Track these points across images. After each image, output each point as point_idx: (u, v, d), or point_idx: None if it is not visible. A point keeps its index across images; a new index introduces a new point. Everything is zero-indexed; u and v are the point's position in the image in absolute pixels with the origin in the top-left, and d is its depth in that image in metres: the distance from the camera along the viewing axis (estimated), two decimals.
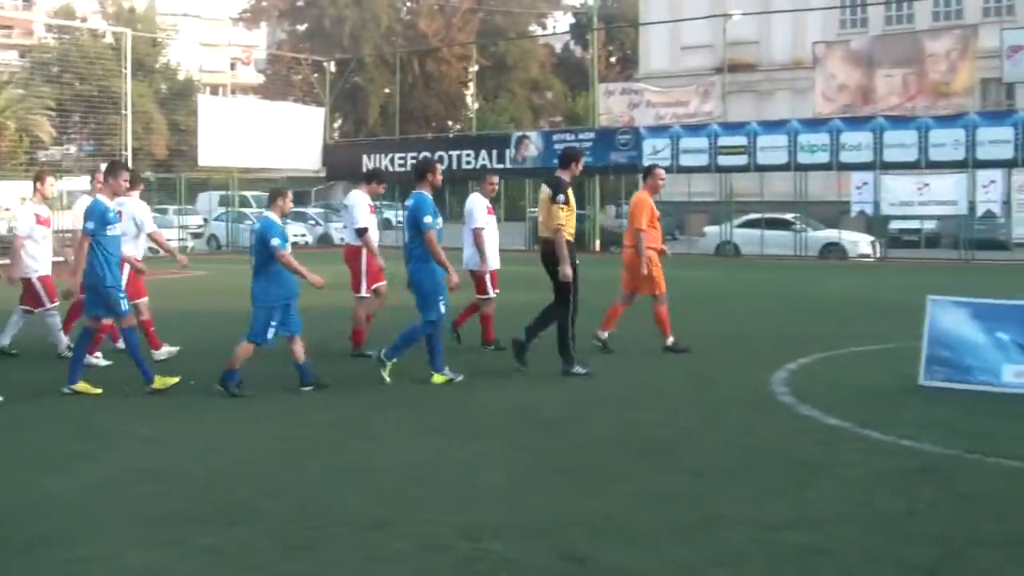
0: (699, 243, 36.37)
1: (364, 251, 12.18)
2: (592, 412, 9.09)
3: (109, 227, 9.95)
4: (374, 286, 12.25)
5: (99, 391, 9.87)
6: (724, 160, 35.50)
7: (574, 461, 7.34)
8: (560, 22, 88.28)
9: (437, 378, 10.35)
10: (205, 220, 42.18)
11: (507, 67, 78.24)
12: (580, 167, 11.36)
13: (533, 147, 39.92)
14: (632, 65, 66.77)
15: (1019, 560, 5.26)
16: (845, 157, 33.56)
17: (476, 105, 59.81)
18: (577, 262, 10.76)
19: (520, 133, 42.47)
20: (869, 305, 16.51)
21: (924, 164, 33.00)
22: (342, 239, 12.52)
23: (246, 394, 9.73)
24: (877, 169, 33.36)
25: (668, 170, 35.79)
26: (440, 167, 11.16)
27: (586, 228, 38.69)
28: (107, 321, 10.44)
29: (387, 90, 68.28)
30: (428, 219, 10.28)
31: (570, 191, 10.92)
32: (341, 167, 44.15)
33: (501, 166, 39.84)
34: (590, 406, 9.35)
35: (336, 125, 63.49)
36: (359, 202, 12.24)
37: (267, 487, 6.67)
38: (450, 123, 79.03)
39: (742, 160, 34.79)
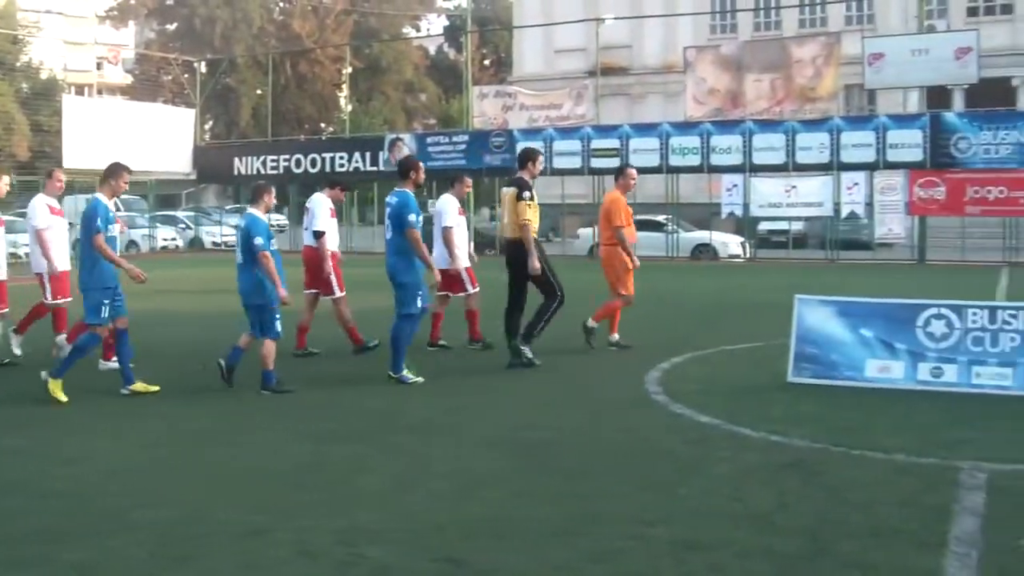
0: (574, 245, 36.68)
1: (328, 253, 12.38)
2: (469, 414, 9.10)
3: (109, 227, 9.94)
4: (306, 292, 12.51)
5: (157, 388, 9.99)
6: (597, 162, 35.88)
7: (451, 463, 7.33)
8: (434, 24, 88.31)
9: (395, 378, 10.51)
10: (71, 224, 41.02)
11: (381, 69, 77.89)
12: (539, 166, 11.83)
13: (407, 149, 39.74)
14: (506, 68, 67.15)
15: (883, 548, 5.41)
16: (715, 160, 34.24)
17: (349, 107, 59.45)
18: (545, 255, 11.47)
19: (394, 135, 42.26)
20: (739, 305, 16.85)
21: (791, 167, 33.86)
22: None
23: (290, 388, 10.02)
24: (746, 171, 34.11)
25: (541, 173, 36.06)
26: (423, 166, 11.33)
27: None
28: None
29: (259, 91, 67.40)
30: (412, 217, 10.44)
31: (533, 189, 11.53)
32: (212, 170, 43.42)
33: (375, 169, 39.67)
34: (467, 408, 9.36)
35: (207, 127, 62.43)
36: (320, 205, 12.47)
37: (140, 497, 6.51)
38: (323, 125, 78.38)
39: (615, 162, 35.20)
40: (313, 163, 41.49)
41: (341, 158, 40.80)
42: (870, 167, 32.95)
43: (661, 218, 35.45)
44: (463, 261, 12.85)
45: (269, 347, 10.06)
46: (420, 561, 5.32)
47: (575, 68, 50.53)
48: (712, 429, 8.34)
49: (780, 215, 35.29)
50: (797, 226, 37.54)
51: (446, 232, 12.67)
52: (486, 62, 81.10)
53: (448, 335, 13.00)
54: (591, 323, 12.64)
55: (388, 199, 10.92)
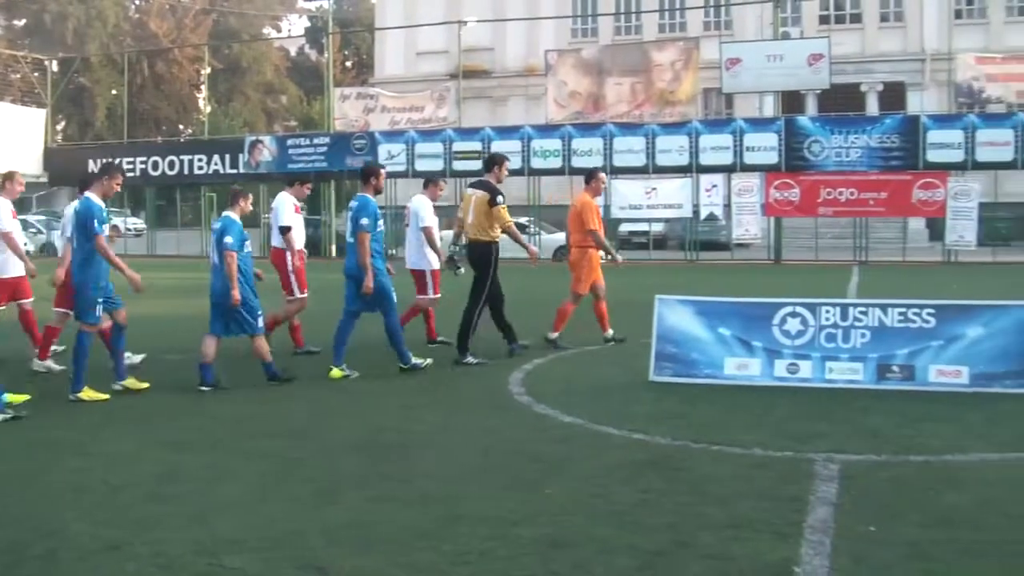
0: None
1: (289, 254, 12.50)
2: (330, 418, 9.01)
3: (103, 226, 9.89)
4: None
5: (147, 385, 10.25)
6: (459, 165, 35.98)
7: (312, 469, 7.22)
8: (295, 25, 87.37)
9: (335, 372, 10.92)
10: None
11: (241, 70, 76.76)
12: (505, 171, 12.41)
13: (267, 152, 39.25)
14: (368, 70, 66.76)
15: (741, 539, 5.53)
16: (577, 162, 34.61)
17: (208, 108, 58.30)
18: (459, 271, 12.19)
19: (254, 137, 41.68)
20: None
21: (651, 169, 34.46)
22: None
23: (291, 376, 10.61)
24: (608, 174, 34.48)
25: (404, 175, 36.16)
26: (384, 172, 11.83)
27: (322, 234, 38.40)
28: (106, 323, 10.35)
29: (114, 92, 65.76)
30: (364, 221, 10.91)
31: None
32: (64, 172, 42.12)
33: (235, 171, 39.08)
34: (328, 413, 9.26)
35: (59, 128, 60.57)
36: (284, 203, 12.67)
37: None
38: (181, 127, 76.86)
39: (476, 165, 35.28)
40: (171, 165, 40.67)
41: (200, 160, 40.08)
42: (728, 169, 33.74)
43: (523, 220, 35.64)
44: (435, 263, 13.11)
45: (260, 343, 10.51)
46: (283, 569, 5.23)
47: (437, 70, 50.52)
48: (575, 428, 8.42)
49: (641, 217, 35.86)
50: (657, 227, 38.19)
51: (427, 231, 13.00)
52: (348, 64, 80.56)
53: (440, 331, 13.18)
54: (551, 335, 12.90)
55: (350, 203, 11.43)
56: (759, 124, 35.23)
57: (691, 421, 8.61)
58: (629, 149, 34.66)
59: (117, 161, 36.55)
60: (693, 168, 33.66)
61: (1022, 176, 35.36)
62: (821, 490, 6.49)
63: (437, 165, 36.07)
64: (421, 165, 36.16)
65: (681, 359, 10.44)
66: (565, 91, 38.86)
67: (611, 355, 12.39)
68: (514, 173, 34.16)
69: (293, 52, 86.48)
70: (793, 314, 10.32)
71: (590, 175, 13.59)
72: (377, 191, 11.42)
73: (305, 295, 12.59)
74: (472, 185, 12.50)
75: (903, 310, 10.12)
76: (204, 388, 10.22)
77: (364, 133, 38.47)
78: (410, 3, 53.38)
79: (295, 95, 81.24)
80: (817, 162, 32.84)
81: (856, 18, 49.76)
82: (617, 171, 34.95)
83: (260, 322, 10.59)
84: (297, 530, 5.80)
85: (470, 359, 11.72)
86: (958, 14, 46.77)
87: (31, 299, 12.01)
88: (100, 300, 9.94)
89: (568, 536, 5.65)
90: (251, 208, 10.86)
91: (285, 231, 12.53)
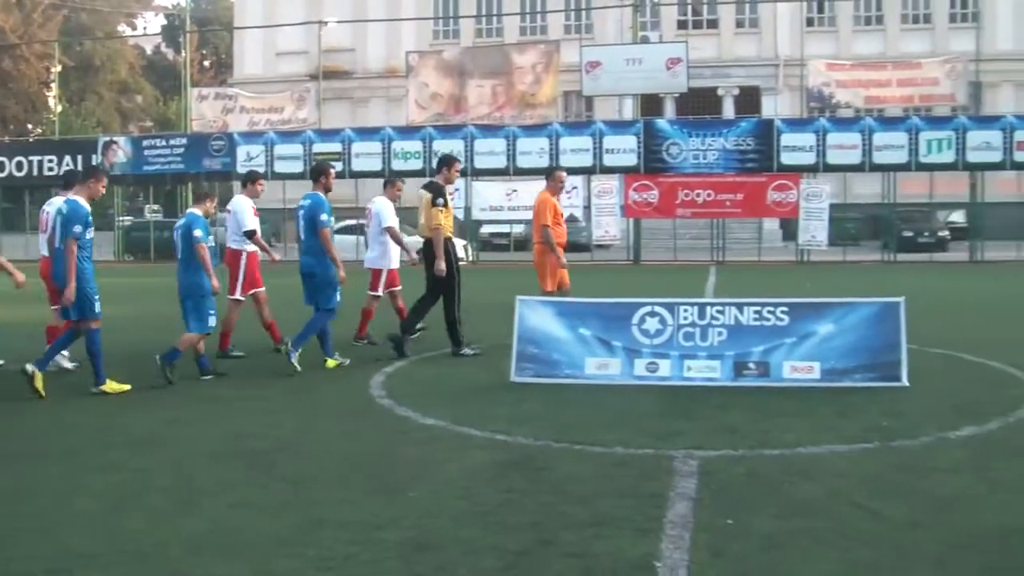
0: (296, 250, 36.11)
1: (244, 255, 12.63)
2: (189, 426, 8.78)
3: (88, 230, 10.06)
4: (252, 292, 12.69)
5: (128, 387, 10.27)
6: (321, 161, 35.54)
7: (171, 478, 7.03)
8: (151, 23, 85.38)
9: (330, 363, 11.52)
10: None
11: (94, 68, 74.64)
12: (455, 171, 12.91)
13: (122, 153, 38.26)
14: (226, 70, 65.66)
15: (604, 537, 5.58)
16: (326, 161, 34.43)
17: (59, 108, 56.54)
18: (460, 257, 12.62)
19: (107, 138, 40.56)
20: (463, 306, 17.01)
21: (512, 171, 34.65)
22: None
23: (222, 372, 11.04)
24: (468, 175, 34.59)
25: (264, 177, 35.48)
26: (333, 171, 12.19)
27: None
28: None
29: None
30: (324, 217, 11.33)
31: (447, 194, 12.44)
32: None
33: None
34: (187, 419, 9.04)
35: None
36: (243, 206, 12.68)
37: None
38: (30, 126, 74.34)
39: (337, 167, 34.99)
40: (19, 166, 39.32)
41: (50, 161, 38.82)
42: (588, 171, 34.11)
43: (352, 222, 35.48)
44: (395, 262, 13.55)
45: (192, 337, 10.82)
46: None
47: (297, 71, 49.96)
48: (438, 430, 8.40)
49: (502, 218, 36.01)
50: (518, 229, 38.39)
51: (391, 231, 13.47)
52: (206, 63, 79.10)
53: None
54: None
55: (301, 202, 11.70)
56: (618, 127, 35.73)
57: (553, 421, 8.66)
58: (490, 151, 34.80)
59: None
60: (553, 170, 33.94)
61: (870, 178, 36.63)
62: (680, 486, 6.60)
63: (297, 167, 35.64)
64: (280, 167, 35.70)
65: (542, 359, 10.51)
66: (426, 93, 38.84)
67: (472, 356, 12.38)
68: (374, 175, 34.17)
69: (149, 50, 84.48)
70: (652, 314, 10.48)
71: (548, 173, 13.85)
72: (327, 189, 11.77)
73: (241, 298, 12.71)
74: (423, 186, 12.74)
75: (758, 309, 10.37)
76: (205, 377, 10.92)
77: (222, 134, 37.79)
78: (270, 2, 52.65)
79: (151, 95, 79.39)
80: (675, 164, 33.47)
81: (713, 24, 50.92)
82: (478, 173, 35.08)
83: (212, 320, 10.94)
84: (157, 542, 5.64)
85: (467, 351, 12.27)
86: (810, 22, 48.24)
87: None
88: (97, 296, 10.16)
89: (432, 538, 5.62)
90: (214, 211, 11.50)
91: (252, 235, 12.61)
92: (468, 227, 36.07)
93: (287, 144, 36.42)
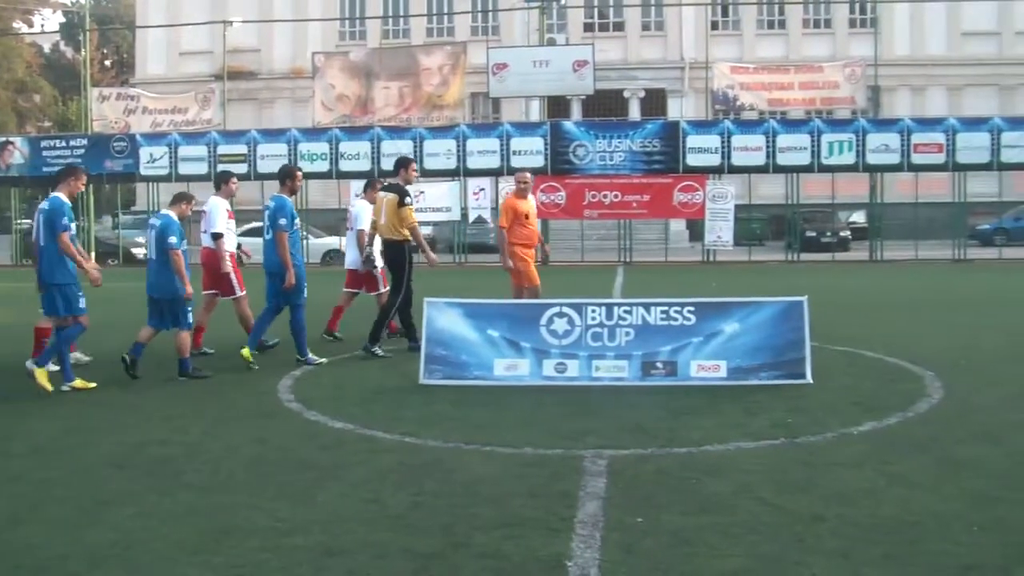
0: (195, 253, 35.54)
1: (225, 255, 12.76)
2: (89, 434, 8.59)
3: (72, 224, 10.49)
4: (205, 293, 12.88)
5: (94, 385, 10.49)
6: (224, 168, 35.10)
7: (72, 488, 6.87)
8: (49, 20, 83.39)
9: (245, 352, 11.72)
10: None
11: None
12: (413, 171, 13.21)
13: (18, 154, 37.33)
14: (128, 69, 64.48)
15: (514, 538, 5.60)
16: (344, 166, 34.35)
17: None
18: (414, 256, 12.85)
19: (3, 139, 39.55)
20: (368, 309, 16.92)
21: (420, 172, 34.42)
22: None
23: (206, 374, 11.08)
24: (375, 178, 34.29)
25: (167, 179, 35.07)
26: (300, 174, 12.60)
27: (82, 240, 36.83)
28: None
29: None
30: (283, 221, 11.72)
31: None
32: None
33: None
34: (89, 426, 8.86)
35: None
36: (217, 208, 12.79)
37: None
38: None
39: (242, 169, 34.64)
40: None
41: None
42: (495, 173, 34.14)
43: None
44: (379, 261, 13.62)
45: (184, 338, 11.08)
46: None
47: (201, 71, 49.24)
48: (347, 434, 8.35)
49: None
50: (426, 231, 38.18)
51: (359, 235, 13.79)
52: (107, 63, 77.63)
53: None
54: None
55: (266, 203, 12.03)
56: (525, 128, 35.82)
57: (462, 423, 8.67)
58: (397, 152, 34.55)
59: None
60: (461, 172, 33.93)
61: (773, 179, 37.22)
62: (590, 485, 6.64)
63: (201, 169, 35.13)
64: (185, 169, 35.15)
65: (451, 361, 10.50)
66: (332, 94, 38.59)
67: (380, 360, 12.34)
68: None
69: (47, 49, 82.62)
70: (560, 314, 10.54)
71: (516, 177, 13.88)
72: (292, 192, 12.23)
73: (244, 292, 12.89)
74: (383, 188, 13.00)
75: (665, 308, 10.49)
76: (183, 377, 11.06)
77: (124, 135, 37.08)
78: (173, 1, 51.79)
79: (50, 94, 77.57)
80: (582, 166, 33.66)
81: (619, 26, 51.33)
82: (385, 175, 34.87)
83: (190, 317, 11.26)
84: (56, 554, 5.50)
85: (378, 350, 12.40)
86: (714, 25, 48.85)
87: None
88: (80, 293, 10.53)
89: (342, 543, 5.59)
90: (190, 212, 11.68)
91: (217, 238, 12.68)
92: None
93: (191, 145, 35.86)
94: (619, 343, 10.41)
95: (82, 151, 36.42)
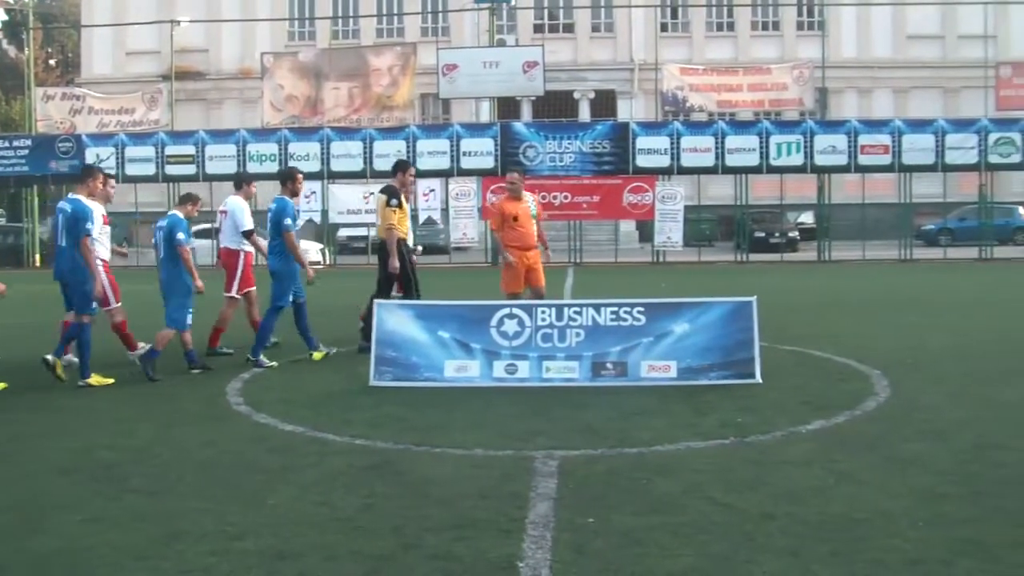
0: (151, 255, 35.21)
1: (241, 255, 13.18)
2: (33, 440, 8.45)
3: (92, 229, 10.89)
4: (245, 291, 13.20)
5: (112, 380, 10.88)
6: (172, 169, 34.89)
7: (15, 495, 6.75)
8: None
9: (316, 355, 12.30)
10: None
11: None
12: (410, 175, 13.30)
13: None
14: (74, 69, 63.67)
15: (465, 539, 5.59)
16: (294, 166, 34.04)
17: None
18: (417, 251, 13.61)
19: None
20: (321, 311, 16.84)
21: (369, 174, 34.40)
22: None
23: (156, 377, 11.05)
24: (325, 178, 34.27)
25: (116, 179, 34.53)
26: (301, 176, 12.92)
27: (24, 242, 36.47)
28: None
29: None
30: (288, 221, 12.01)
31: (402, 196, 12.97)
32: None
33: None
34: (33, 432, 8.73)
35: None
36: (243, 208, 13.21)
37: None
38: None
39: (191, 170, 34.39)
40: None
41: None
42: (445, 174, 34.14)
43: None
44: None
45: (168, 334, 11.45)
46: None
47: (149, 71, 48.75)
48: (296, 437, 8.30)
49: (359, 222, 35.71)
50: (375, 232, 38.11)
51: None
52: (52, 62, 76.48)
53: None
54: None
55: (270, 205, 12.27)
56: (475, 129, 35.83)
57: (412, 424, 8.64)
58: (347, 153, 34.52)
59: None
60: None
61: (723, 180, 37.48)
62: (541, 486, 6.65)
63: (149, 169, 34.83)
64: (132, 169, 34.80)
65: (401, 363, 10.47)
66: (281, 94, 38.37)
67: (331, 362, 12.30)
68: (227, 178, 33.51)
69: None
70: (510, 316, 10.54)
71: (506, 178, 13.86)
72: (294, 193, 12.55)
73: (238, 296, 13.24)
74: (380, 190, 13.20)
75: (615, 309, 10.52)
76: (195, 370, 11.51)
77: (70, 136, 36.63)
78: (119, 0, 51.25)
79: None
80: (532, 167, 33.69)
81: (569, 28, 51.48)
82: (334, 176, 34.76)
83: (189, 319, 11.60)
84: None
85: (330, 349, 12.64)
86: (664, 27, 49.10)
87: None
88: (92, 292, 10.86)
89: (293, 546, 5.55)
90: (196, 214, 12.18)
91: (250, 235, 13.12)
92: (325, 230, 35.73)
93: (138, 146, 35.50)
94: (569, 344, 10.43)
95: (26, 152, 35.95)
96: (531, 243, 12.97)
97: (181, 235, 11.56)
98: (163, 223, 11.93)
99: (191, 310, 11.60)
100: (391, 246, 12.73)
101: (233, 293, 13.17)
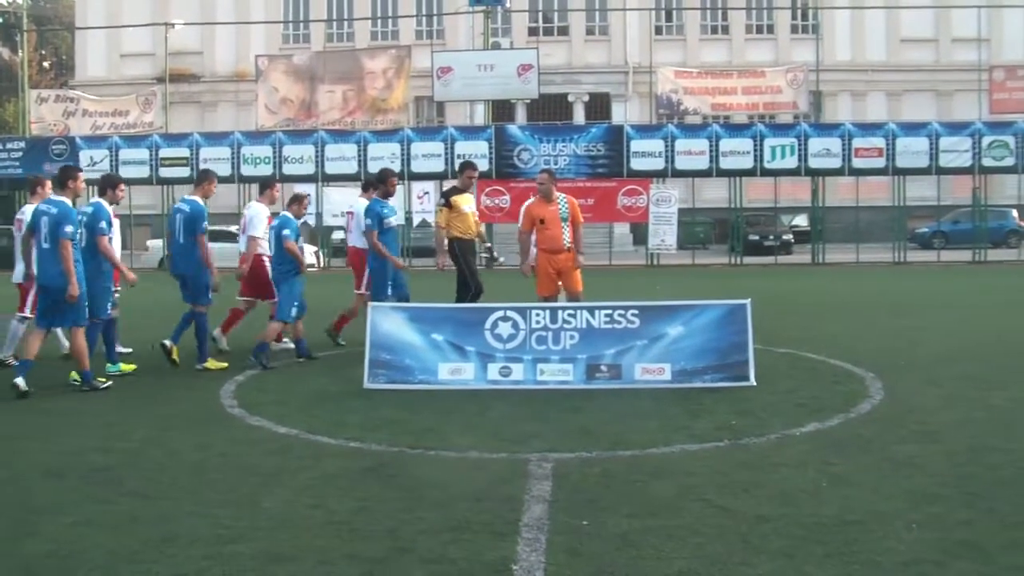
0: (143, 257, 35.15)
1: (368, 253, 13.26)
2: (23, 442, 8.42)
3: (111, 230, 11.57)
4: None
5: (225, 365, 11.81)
6: (166, 172, 34.84)
7: (3, 498, 6.73)
8: None
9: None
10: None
11: None
12: (469, 176, 13.41)
13: None
14: (68, 71, 63.54)
15: (460, 541, 5.59)
16: (288, 169, 34.16)
17: None
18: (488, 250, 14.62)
19: None
20: (315, 313, 16.85)
21: (363, 176, 34.25)
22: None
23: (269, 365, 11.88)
24: (319, 181, 34.22)
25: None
26: (395, 179, 13.51)
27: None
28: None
29: None
30: (287, 232, 12.26)
31: (463, 196, 13.20)
32: None
33: None
34: (20, 436, 8.67)
35: None
36: (258, 213, 13.32)
37: None
38: None
39: (185, 172, 34.31)
40: None
41: None
42: (439, 177, 34.09)
43: (234, 228, 34.84)
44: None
45: (275, 328, 12.37)
46: None
47: (143, 74, 48.70)
48: (290, 439, 8.29)
49: None
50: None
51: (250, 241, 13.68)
52: (45, 64, 76.40)
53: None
54: None
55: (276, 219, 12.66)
56: (470, 132, 35.81)
57: (407, 427, 8.64)
58: (341, 156, 34.49)
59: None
60: (405, 175, 33.82)
61: (717, 183, 37.52)
62: (536, 489, 6.65)
63: (143, 172, 34.78)
64: (126, 172, 34.58)
65: (395, 366, 10.47)
66: (276, 97, 38.33)
67: (325, 364, 12.29)
68: (224, 180, 33.49)
69: None
70: (504, 318, 10.54)
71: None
72: (388, 195, 13.12)
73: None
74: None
75: (609, 312, 10.53)
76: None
77: (63, 138, 36.57)
78: (113, 2, 51.18)
79: None
80: (527, 169, 33.66)
81: (564, 31, 51.50)
82: (329, 178, 34.74)
83: (294, 312, 12.35)
84: None
85: None
86: (658, 30, 49.10)
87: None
88: (112, 297, 11.42)
89: (287, 550, 5.54)
90: (305, 212, 13.04)
91: (253, 240, 13.18)
92: (320, 233, 35.69)
93: (133, 149, 35.45)
94: (564, 346, 10.43)
95: (20, 154, 35.91)
96: (559, 246, 12.47)
97: (287, 232, 12.18)
98: (184, 207, 12.21)
99: (297, 303, 12.28)
100: (439, 245, 13.25)
101: (363, 290, 13.60)
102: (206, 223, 11.92)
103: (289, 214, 12.65)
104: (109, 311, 11.38)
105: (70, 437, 8.54)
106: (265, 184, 14.16)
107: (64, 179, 10.90)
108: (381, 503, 6.40)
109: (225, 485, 6.93)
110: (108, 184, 11.85)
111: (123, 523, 6.08)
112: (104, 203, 11.45)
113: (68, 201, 10.69)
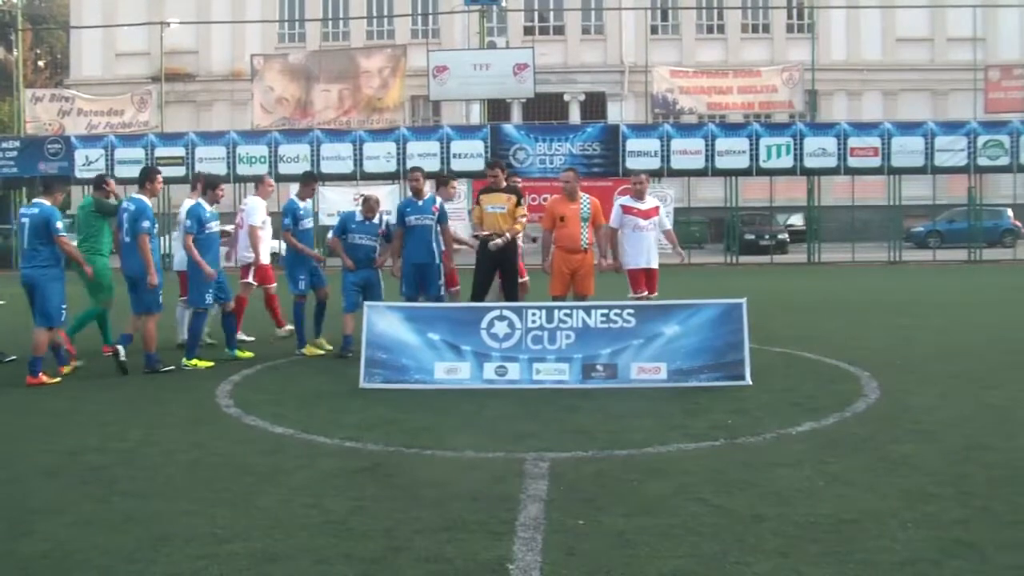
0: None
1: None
2: (17, 442, 8.41)
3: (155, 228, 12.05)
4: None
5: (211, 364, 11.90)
6: (162, 171, 34.68)
7: (2, 498, 6.72)
8: None
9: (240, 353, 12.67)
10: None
11: None
12: (492, 173, 13.19)
13: None
14: (63, 70, 63.50)
15: (456, 541, 5.58)
16: (284, 169, 34.12)
17: None
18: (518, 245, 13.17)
19: None
20: (312, 313, 16.84)
21: (359, 176, 34.35)
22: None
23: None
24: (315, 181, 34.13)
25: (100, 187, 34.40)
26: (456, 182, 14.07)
27: (13, 244, 36.30)
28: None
29: None
30: (287, 221, 13.10)
31: (488, 194, 12.94)
32: None
33: None
34: (14, 436, 8.67)
35: None
36: (256, 206, 14.19)
37: None
38: None
39: (180, 171, 34.25)
40: None
41: None
42: (435, 176, 33.97)
43: (229, 228, 34.81)
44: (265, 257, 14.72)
45: (348, 321, 12.63)
46: None
47: (138, 73, 48.70)
48: (287, 439, 8.28)
49: None
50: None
51: (251, 231, 14.38)
52: (40, 63, 76.32)
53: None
54: None
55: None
56: (465, 131, 35.80)
57: (403, 427, 8.63)
58: (337, 155, 34.47)
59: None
60: (400, 174, 33.82)
61: (713, 183, 37.53)
62: (532, 488, 6.64)
63: (138, 171, 34.68)
64: (122, 172, 34.58)
65: (391, 365, 10.46)
66: (272, 96, 38.30)
67: (321, 363, 12.29)
68: (222, 180, 33.43)
69: None
70: (500, 318, 10.54)
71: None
72: (449, 197, 13.70)
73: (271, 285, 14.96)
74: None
75: (605, 311, 10.53)
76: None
77: (59, 137, 36.53)
78: (109, 1, 51.14)
79: None
80: (523, 169, 33.65)
81: (559, 30, 51.54)
82: (325, 178, 34.67)
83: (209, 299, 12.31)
84: None
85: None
86: (654, 30, 49.17)
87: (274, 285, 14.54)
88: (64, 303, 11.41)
89: (283, 549, 5.54)
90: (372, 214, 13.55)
91: (253, 229, 13.97)
92: (315, 232, 35.60)
93: (128, 148, 35.41)
94: (559, 346, 10.43)
95: (15, 153, 35.87)
96: (576, 246, 12.51)
97: (188, 222, 12.20)
98: (183, 208, 12.70)
99: (353, 297, 12.72)
100: (462, 238, 13.96)
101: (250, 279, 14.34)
102: (147, 222, 11.63)
103: (202, 202, 12.62)
104: (209, 302, 12.17)
105: (66, 437, 8.53)
106: (260, 179, 14.75)
107: (144, 179, 12.09)
108: (377, 502, 6.40)
109: (221, 484, 6.92)
110: (146, 178, 12.16)
111: (119, 523, 6.07)
112: (144, 198, 11.88)
113: (146, 199, 11.83)
